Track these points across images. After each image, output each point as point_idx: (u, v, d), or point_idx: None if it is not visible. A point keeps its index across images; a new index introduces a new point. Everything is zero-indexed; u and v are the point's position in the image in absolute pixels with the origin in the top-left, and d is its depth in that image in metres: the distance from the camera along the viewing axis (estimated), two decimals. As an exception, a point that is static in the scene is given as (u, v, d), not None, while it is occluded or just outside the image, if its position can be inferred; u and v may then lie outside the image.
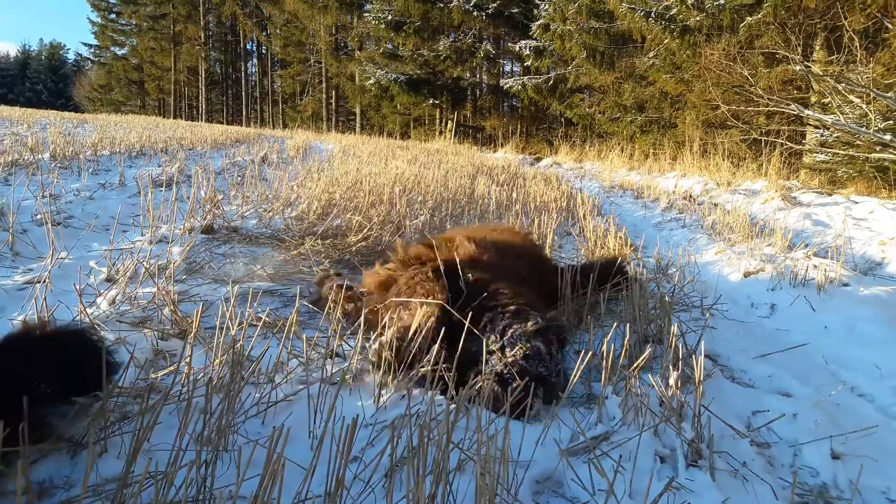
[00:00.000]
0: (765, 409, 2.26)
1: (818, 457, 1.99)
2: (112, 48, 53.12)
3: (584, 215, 6.02)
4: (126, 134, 11.59)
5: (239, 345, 2.09)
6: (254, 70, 48.83)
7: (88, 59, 59.47)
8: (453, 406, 1.68)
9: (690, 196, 8.55)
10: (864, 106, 9.08)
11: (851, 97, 9.20)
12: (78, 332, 1.89)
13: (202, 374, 2.09)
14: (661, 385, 2.08)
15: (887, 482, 1.87)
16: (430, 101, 25.86)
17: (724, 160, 10.46)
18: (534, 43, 20.91)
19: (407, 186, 6.55)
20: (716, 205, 7.38)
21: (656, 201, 8.32)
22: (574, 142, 19.63)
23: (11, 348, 1.75)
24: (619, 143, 16.19)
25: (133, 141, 9.99)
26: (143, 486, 1.38)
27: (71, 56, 74.14)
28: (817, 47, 11.85)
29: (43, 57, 72.33)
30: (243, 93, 46.93)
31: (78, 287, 2.48)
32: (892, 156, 8.68)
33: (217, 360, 2.14)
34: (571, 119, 20.38)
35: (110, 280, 3.09)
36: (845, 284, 3.69)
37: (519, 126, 25.55)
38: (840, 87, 9.07)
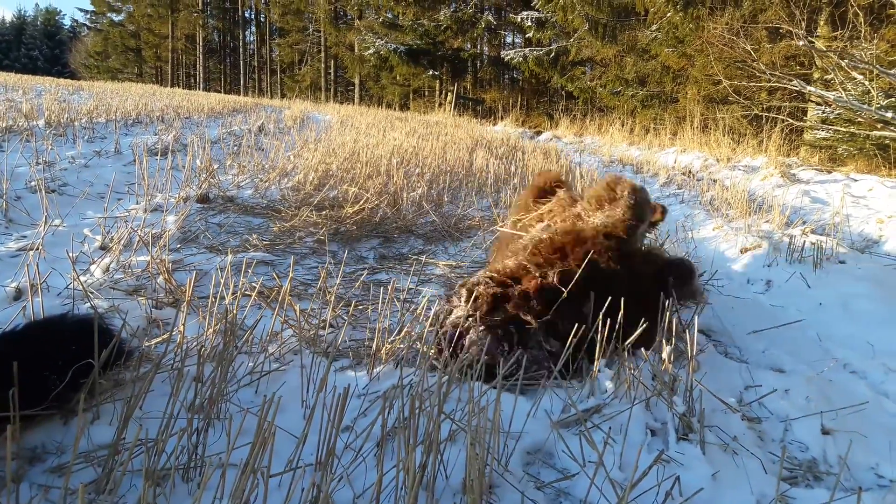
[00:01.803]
0: (757, 384, 2.27)
1: (808, 432, 2.00)
2: (108, 14, 52.51)
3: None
4: (122, 102, 11.50)
5: (232, 314, 2.09)
6: (252, 38, 48.23)
7: (84, 25, 58.88)
8: (445, 377, 1.68)
9: (690, 171, 8.52)
10: (866, 83, 9.00)
11: (854, 74, 9.11)
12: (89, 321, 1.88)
13: (195, 342, 2.09)
14: (653, 359, 2.09)
15: (876, 458, 1.88)
16: (430, 73, 25.63)
17: (724, 136, 10.40)
18: (536, 14, 20.67)
19: (404, 158, 6.52)
20: (715, 181, 7.35)
21: (655, 176, 8.29)
22: (574, 116, 19.49)
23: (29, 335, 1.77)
24: (619, 118, 16.08)
25: (129, 109, 9.91)
26: (132, 453, 1.38)
27: (67, 22, 73.20)
28: (821, 22, 11.72)
29: (39, 22, 71.36)
30: (241, 61, 46.45)
31: (71, 255, 2.47)
32: (893, 133, 8.62)
33: (210, 329, 2.14)
34: (572, 92, 20.22)
35: (104, 248, 3.08)
36: (842, 262, 3.69)
37: (519, 99, 25.36)
38: (843, 64, 8.98)
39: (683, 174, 8.20)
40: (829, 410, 2.06)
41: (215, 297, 2.25)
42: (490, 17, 24.90)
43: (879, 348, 2.67)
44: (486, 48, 27.42)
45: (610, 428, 1.79)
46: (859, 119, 9.36)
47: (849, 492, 1.70)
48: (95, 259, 2.86)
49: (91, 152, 5.64)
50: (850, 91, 9.24)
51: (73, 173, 4.70)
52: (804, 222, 4.87)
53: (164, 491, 1.43)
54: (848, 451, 1.66)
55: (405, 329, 2.28)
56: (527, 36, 22.09)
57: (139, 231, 3.09)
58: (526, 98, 25.45)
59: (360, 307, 2.73)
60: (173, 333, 2.10)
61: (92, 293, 2.43)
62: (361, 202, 4.39)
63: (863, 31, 9.11)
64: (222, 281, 2.32)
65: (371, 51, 25.69)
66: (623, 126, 15.16)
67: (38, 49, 67.52)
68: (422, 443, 1.53)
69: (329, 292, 2.64)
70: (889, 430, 2.07)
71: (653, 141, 12.70)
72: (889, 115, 8.36)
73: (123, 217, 3.57)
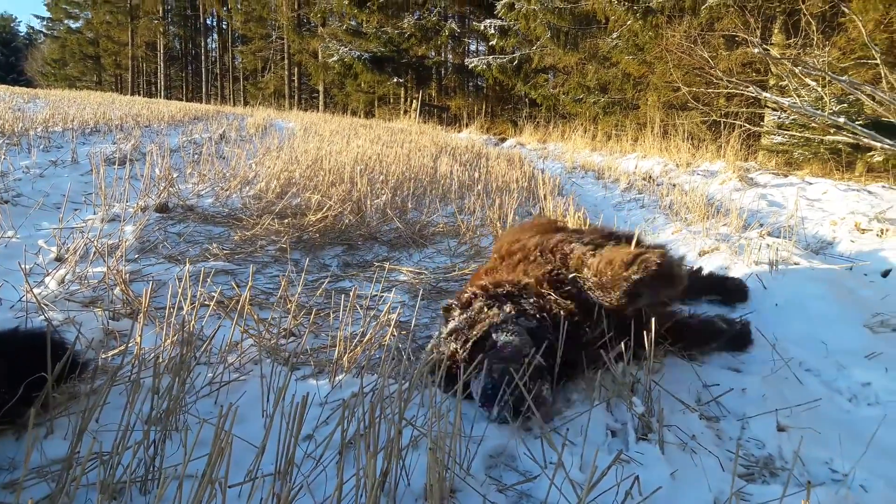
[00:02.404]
0: (715, 383, 2.31)
1: (765, 429, 2.04)
2: (66, 21, 51.48)
3: (544, 195, 6.05)
4: (80, 110, 11.27)
5: (190, 324, 2.06)
6: (214, 46, 47.72)
7: (41, 32, 57.64)
8: (406, 384, 1.68)
9: (650, 177, 8.64)
10: (819, 89, 9.25)
11: (808, 80, 9.36)
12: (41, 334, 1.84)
13: (152, 354, 2.05)
14: (613, 361, 2.11)
15: (830, 453, 1.92)
16: (395, 80, 25.62)
17: (683, 141, 10.59)
18: (499, 22, 20.82)
19: (369, 165, 6.50)
20: (674, 185, 7.48)
21: (616, 182, 8.39)
22: (538, 122, 19.65)
23: None
24: (582, 124, 16.26)
25: (87, 117, 9.72)
26: (85, 467, 1.35)
27: (23, 29, 71.58)
28: (776, 30, 12.03)
29: (-7, 29, 69.66)
30: (203, 69, 45.86)
31: (24, 266, 2.41)
32: (846, 138, 8.87)
33: (168, 340, 2.11)
34: (536, 100, 20.39)
35: (59, 259, 3.01)
36: (797, 263, 3.77)
37: (484, 106, 25.50)
38: (797, 71, 9.22)
39: (644, 179, 8.32)
40: (784, 408, 2.10)
41: (173, 308, 2.22)
42: (454, 25, 25.01)
43: (832, 347, 2.73)
44: (450, 56, 27.50)
45: (568, 430, 1.81)
46: (813, 124, 9.61)
47: (803, 486, 1.74)
48: (50, 271, 2.79)
49: (47, 162, 5.52)
50: (803, 97, 9.49)
51: (27, 183, 4.60)
52: (761, 225, 4.97)
53: (121, 504, 1.41)
54: (799, 447, 1.70)
55: (368, 336, 2.27)
56: (490, 44, 22.23)
57: (96, 242, 3.03)
58: (490, 105, 25.59)
59: (323, 315, 2.71)
60: (130, 345, 2.06)
61: (46, 305, 2.38)
62: (324, 210, 4.37)
63: (815, 38, 9.37)
64: (180, 291, 2.29)
65: (335, 58, 25.59)
66: (585, 132, 15.33)
67: (-7, 56, 65.86)
68: (383, 449, 1.53)
69: (290, 301, 2.62)
70: (842, 426, 2.12)
71: (614, 147, 12.87)
72: (841, 120, 8.59)
73: (80, 228, 3.50)
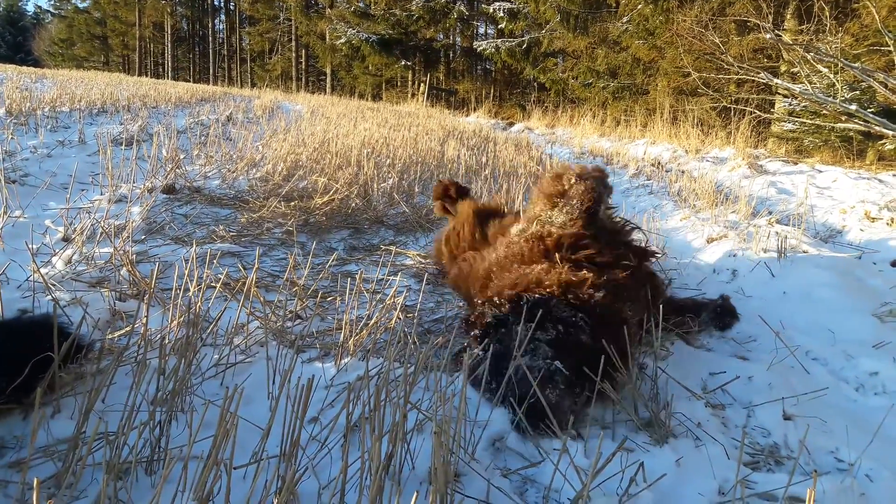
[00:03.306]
0: (721, 371, 2.30)
1: (770, 418, 2.03)
2: (73, 1, 51.37)
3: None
4: (87, 91, 11.26)
5: (197, 306, 2.06)
6: (221, 27, 47.62)
7: (48, 11, 57.60)
8: (411, 368, 1.68)
9: (659, 163, 8.59)
10: (831, 76, 9.16)
11: (820, 67, 9.28)
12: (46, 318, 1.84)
13: (159, 334, 2.06)
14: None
15: (835, 442, 1.91)
16: (403, 63, 25.52)
17: (693, 128, 10.52)
18: (508, 4, 20.69)
19: (375, 149, 6.48)
20: (683, 172, 7.43)
21: (625, 168, 8.35)
22: (546, 107, 19.55)
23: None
24: (591, 109, 16.17)
25: (94, 98, 9.71)
26: (91, 447, 1.35)
27: (30, 8, 71.62)
28: (788, 16, 11.90)
29: (1, 8, 69.54)
30: (210, 50, 45.76)
31: (31, 246, 2.41)
32: (857, 126, 8.80)
33: (174, 321, 2.11)
34: (544, 84, 20.29)
35: (66, 240, 3.01)
36: (805, 251, 3.75)
37: (492, 90, 25.39)
38: (809, 57, 9.13)
39: (652, 165, 8.27)
40: (790, 396, 2.10)
41: (179, 289, 2.22)
42: (462, 8, 24.84)
43: (840, 336, 2.72)
44: (458, 39, 27.36)
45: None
46: (825, 111, 9.53)
47: (808, 475, 1.73)
48: (57, 251, 2.80)
49: (54, 142, 5.52)
50: (815, 84, 9.40)
51: (34, 163, 4.60)
52: (770, 213, 4.94)
53: (126, 484, 1.41)
54: (805, 436, 1.69)
55: (374, 320, 2.27)
56: (499, 27, 22.11)
57: (102, 222, 3.03)
58: (499, 89, 25.49)
59: (329, 298, 2.71)
60: (136, 326, 2.06)
61: (53, 285, 2.38)
62: (331, 193, 4.36)
63: (828, 24, 9.27)
64: (186, 272, 2.29)
65: (343, 40, 25.49)
66: (594, 118, 15.25)
67: (1, 36, 65.80)
68: (388, 433, 1.53)
69: (296, 283, 2.62)
70: (848, 415, 2.11)
71: (623, 132, 12.79)
72: (853, 107, 8.52)
73: (87, 208, 3.50)
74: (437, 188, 3.76)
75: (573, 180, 2.41)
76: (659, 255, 2.91)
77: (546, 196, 2.44)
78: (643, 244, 2.72)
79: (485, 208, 3.24)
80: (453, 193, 3.67)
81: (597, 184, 2.43)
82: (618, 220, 2.73)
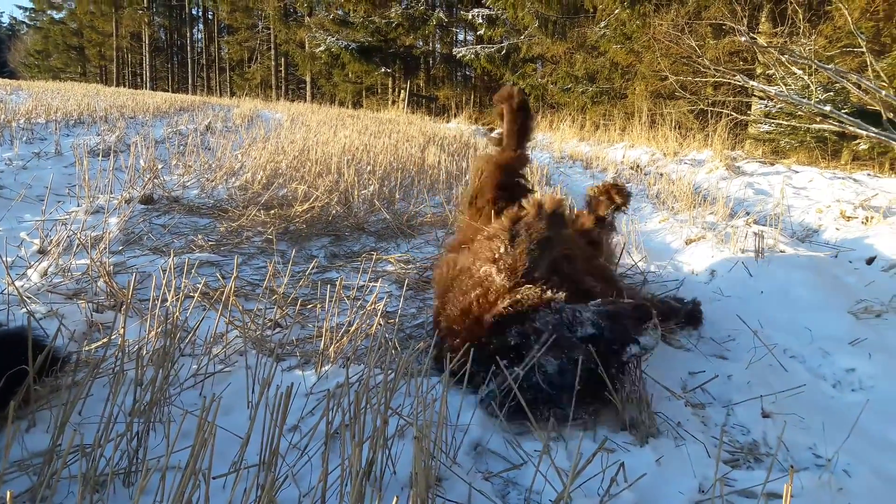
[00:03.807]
0: (701, 370, 2.32)
1: (749, 416, 2.05)
2: (49, 12, 50.91)
3: (532, 186, 6.04)
4: (64, 102, 11.15)
5: (174, 315, 2.04)
6: (200, 36, 47.33)
7: (24, 23, 56.96)
8: (392, 374, 1.68)
9: (638, 166, 8.66)
10: (806, 77, 9.29)
11: (794, 69, 9.40)
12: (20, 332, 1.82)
13: (136, 345, 2.04)
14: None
15: (813, 438, 1.94)
16: (382, 70, 25.53)
17: (671, 130, 10.62)
18: (486, 11, 20.77)
19: (356, 156, 6.47)
20: (662, 174, 7.50)
21: (605, 171, 8.41)
22: (526, 112, 19.58)
23: None
24: (570, 114, 16.28)
25: (71, 109, 9.62)
26: (66, 460, 1.34)
27: (5, 20, 70.81)
28: (763, 19, 12.06)
29: (-26, 20, 68.75)
30: (189, 60, 45.47)
31: (6, 259, 2.38)
32: (831, 126, 8.92)
33: (152, 332, 2.09)
34: (524, 89, 20.36)
35: (42, 252, 2.98)
36: (783, 251, 3.79)
37: (472, 96, 25.47)
38: (783, 59, 9.25)
39: (631, 168, 8.34)
40: (768, 394, 2.12)
41: (157, 299, 2.20)
42: (441, 14, 24.92)
43: (817, 333, 2.76)
44: (438, 45, 27.43)
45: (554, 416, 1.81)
46: (800, 113, 9.66)
47: (786, 472, 1.75)
48: (33, 263, 2.77)
49: (30, 154, 5.45)
50: (790, 86, 9.52)
51: (9, 175, 4.54)
52: (747, 213, 5.00)
53: (104, 497, 1.40)
54: (782, 432, 1.71)
55: (354, 326, 2.27)
56: (478, 33, 22.18)
57: (79, 234, 3.00)
58: (479, 95, 25.56)
59: (310, 306, 2.70)
60: (114, 337, 2.04)
61: (29, 298, 2.35)
62: (311, 200, 4.35)
63: (802, 27, 9.40)
64: (164, 282, 2.27)
65: (322, 48, 25.46)
66: (574, 122, 15.34)
67: (-25, 48, 64.99)
68: (369, 439, 1.52)
69: (276, 292, 2.60)
70: (825, 412, 2.14)
71: (602, 136, 12.88)
72: (827, 108, 8.63)
73: (63, 220, 3.46)
74: (502, 92, 3.36)
75: (504, 247, 2.23)
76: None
77: (484, 259, 2.26)
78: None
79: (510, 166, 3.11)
80: (516, 104, 3.27)
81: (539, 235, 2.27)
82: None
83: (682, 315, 2.75)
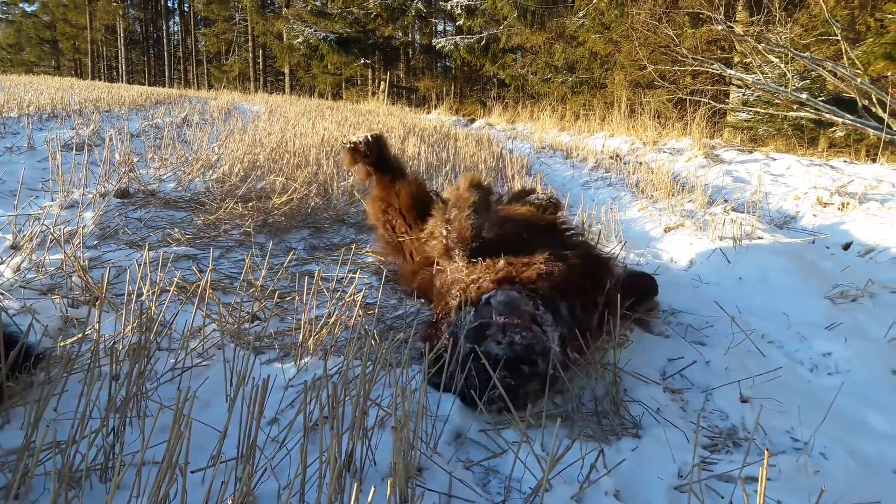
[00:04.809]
0: (680, 357, 2.34)
1: (728, 401, 2.07)
2: (21, 5, 49.93)
3: (513, 175, 6.05)
4: (37, 95, 10.95)
5: (150, 309, 2.02)
6: (176, 29, 46.78)
7: (-5, 16, 55.81)
8: (371, 365, 1.67)
9: (617, 155, 8.69)
10: (782, 66, 9.37)
11: (771, 57, 9.48)
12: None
13: (112, 340, 2.01)
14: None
15: (791, 422, 1.96)
16: (362, 61, 25.39)
17: (650, 120, 10.66)
18: (465, 1, 20.72)
19: (335, 147, 6.43)
20: (641, 163, 7.53)
21: (584, 161, 8.42)
22: (507, 103, 19.64)
23: None
24: (550, 104, 16.29)
25: (44, 103, 9.45)
26: (39, 457, 1.32)
27: (-25, 13, 69.26)
28: (739, 8, 12.13)
29: (-56, 13, 67.28)
30: (165, 52, 44.90)
31: (-24, 254, 2.34)
32: (808, 114, 9.01)
33: (128, 327, 2.07)
34: (504, 80, 20.39)
35: (15, 247, 2.93)
36: (760, 238, 3.83)
37: (452, 87, 25.41)
38: (760, 47, 9.32)
39: (611, 158, 8.36)
40: (746, 378, 2.14)
41: (133, 294, 2.17)
42: (420, 5, 24.79)
43: (794, 318, 2.78)
44: (417, 36, 27.33)
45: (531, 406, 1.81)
46: (777, 101, 9.74)
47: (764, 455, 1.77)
48: (5, 259, 2.72)
49: (2, 149, 5.35)
50: (767, 74, 9.60)
51: (-19, 170, 4.45)
52: (726, 201, 5.04)
53: (80, 493, 1.38)
54: (759, 416, 1.72)
55: (333, 318, 2.25)
56: (458, 24, 22.12)
57: (52, 228, 2.95)
58: (459, 86, 25.52)
59: (288, 298, 2.68)
60: (89, 332, 2.02)
61: (1, 294, 2.31)
62: (290, 192, 4.31)
63: (778, 15, 9.47)
64: (139, 276, 2.24)
65: (300, 39, 25.26)
66: (554, 112, 15.36)
67: (-55, 42, 63.65)
68: (348, 430, 1.51)
69: (254, 284, 2.58)
70: (802, 395, 2.16)
71: (582, 126, 12.91)
72: (804, 96, 8.72)
73: (36, 215, 3.40)
74: (346, 152, 3.47)
75: (446, 229, 2.41)
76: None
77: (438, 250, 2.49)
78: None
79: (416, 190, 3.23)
80: (364, 150, 3.41)
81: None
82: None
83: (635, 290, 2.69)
